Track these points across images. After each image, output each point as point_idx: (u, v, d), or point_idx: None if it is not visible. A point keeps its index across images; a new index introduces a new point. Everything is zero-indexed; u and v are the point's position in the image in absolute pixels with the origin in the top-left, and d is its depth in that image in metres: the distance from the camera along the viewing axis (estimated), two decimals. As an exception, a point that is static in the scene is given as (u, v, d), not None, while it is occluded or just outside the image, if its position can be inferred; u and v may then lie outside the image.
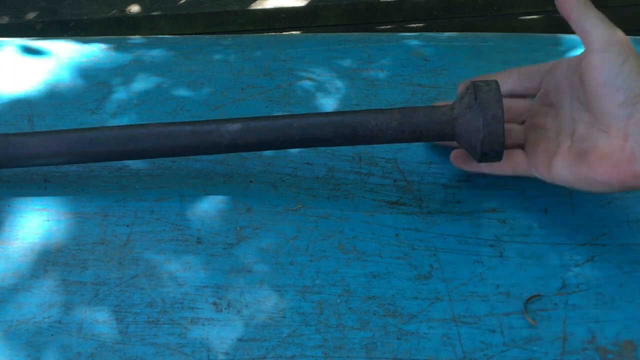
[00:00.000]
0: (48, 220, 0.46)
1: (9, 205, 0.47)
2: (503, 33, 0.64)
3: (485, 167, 0.46)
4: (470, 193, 0.48)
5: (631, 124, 0.39)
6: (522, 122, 0.48)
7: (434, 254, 0.44)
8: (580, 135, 0.42)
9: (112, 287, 0.43)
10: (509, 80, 0.47)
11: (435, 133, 0.44)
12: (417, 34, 0.65)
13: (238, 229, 0.46)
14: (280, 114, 0.54)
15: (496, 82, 0.43)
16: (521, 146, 0.46)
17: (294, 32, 1.61)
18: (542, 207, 0.47)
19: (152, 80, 0.58)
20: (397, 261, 0.44)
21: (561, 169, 0.42)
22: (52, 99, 0.56)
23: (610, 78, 0.39)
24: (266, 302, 0.42)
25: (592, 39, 0.41)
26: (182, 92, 0.56)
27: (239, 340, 0.40)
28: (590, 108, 0.42)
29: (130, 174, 0.50)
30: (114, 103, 0.55)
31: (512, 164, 0.45)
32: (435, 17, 1.64)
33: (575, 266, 0.44)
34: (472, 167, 0.47)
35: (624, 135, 0.39)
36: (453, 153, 0.47)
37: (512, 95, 0.48)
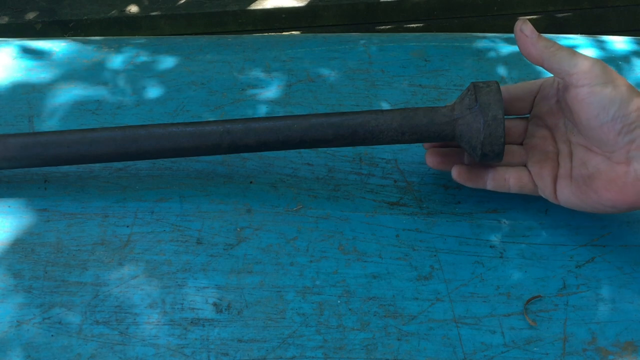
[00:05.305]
0: (48, 220, 0.46)
1: (9, 206, 0.47)
2: (503, 33, 0.64)
3: (492, 186, 0.45)
4: (470, 194, 0.48)
5: (633, 148, 0.39)
6: (521, 143, 0.47)
7: (435, 255, 0.44)
8: (580, 158, 0.43)
9: (112, 287, 0.43)
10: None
11: (435, 134, 0.44)
12: (417, 34, 0.65)
13: (238, 229, 0.46)
14: (280, 114, 0.54)
15: (497, 83, 0.43)
16: (525, 165, 0.46)
17: (294, 32, 1.61)
18: (543, 208, 0.47)
19: (152, 80, 0.57)
20: (398, 262, 0.44)
21: (568, 196, 0.43)
22: (52, 99, 0.56)
23: (602, 110, 0.39)
24: (266, 303, 0.42)
25: (574, 77, 0.40)
26: (182, 92, 0.56)
27: (239, 341, 0.40)
28: (585, 135, 0.42)
29: (131, 175, 0.49)
30: (114, 103, 0.55)
31: (518, 183, 0.45)
32: (435, 17, 1.64)
33: (576, 267, 0.44)
34: (478, 183, 0.46)
35: (627, 160, 0.39)
36: (456, 169, 0.46)
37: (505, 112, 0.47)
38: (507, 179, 0.45)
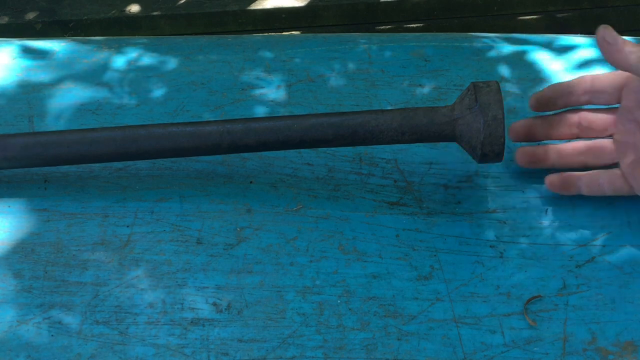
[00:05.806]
0: (48, 220, 0.46)
1: (9, 206, 0.47)
2: (503, 33, 0.64)
3: (586, 191, 0.45)
4: (470, 194, 0.48)
5: None
6: (609, 136, 0.46)
7: (435, 255, 0.44)
8: None
9: (112, 287, 0.43)
10: (584, 94, 0.45)
11: (435, 134, 0.44)
12: (417, 34, 0.65)
13: (238, 229, 0.46)
14: (280, 114, 0.54)
15: (497, 82, 0.43)
16: (616, 164, 0.45)
17: (294, 32, 1.61)
18: (543, 208, 0.47)
19: (152, 80, 0.57)
20: (398, 262, 0.44)
21: None
22: (52, 99, 0.56)
23: None
24: (266, 303, 0.42)
25: None
26: (182, 92, 0.56)
27: (239, 340, 0.40)
28: None
29: (131, 175, 0.49)
30: (114, 103, 0.55)
31: (612, 185, 0.44)
32: (435, 17, 1.64)
33: (576, 267, 0.44)
34: (571, 191, 0.45)
35: None
36: (549, 178, 0.45)
37: (589, 103, 0.46)
38: (601, 183, 0.44)
